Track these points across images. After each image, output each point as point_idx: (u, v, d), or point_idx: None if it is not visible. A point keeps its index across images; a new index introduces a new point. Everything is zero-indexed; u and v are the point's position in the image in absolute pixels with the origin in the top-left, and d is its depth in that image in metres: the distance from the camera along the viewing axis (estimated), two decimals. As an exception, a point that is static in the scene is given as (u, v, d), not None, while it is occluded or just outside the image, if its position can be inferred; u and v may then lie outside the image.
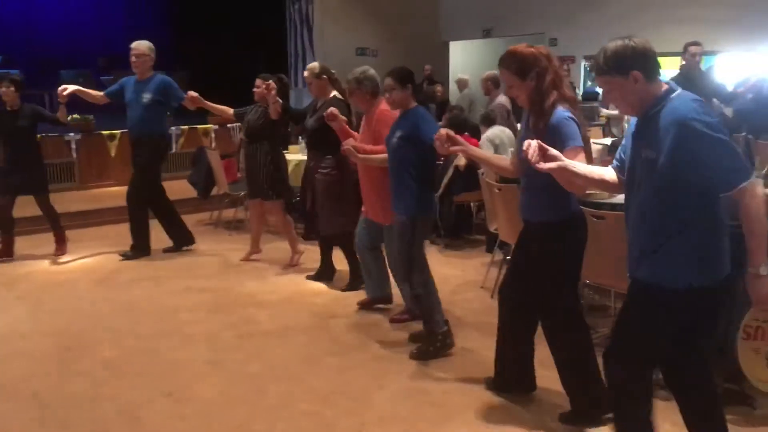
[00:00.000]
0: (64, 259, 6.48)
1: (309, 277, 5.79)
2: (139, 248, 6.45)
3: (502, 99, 7.84)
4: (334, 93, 5.37)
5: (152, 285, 5.74)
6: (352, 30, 14.03)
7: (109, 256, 6.56)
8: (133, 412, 3.61)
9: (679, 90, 2.47)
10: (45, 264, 6.35)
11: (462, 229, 7.21)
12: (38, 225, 6.99)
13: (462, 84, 11.16)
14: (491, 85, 8.25)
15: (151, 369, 4.15)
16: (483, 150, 5.96)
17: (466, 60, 15.98)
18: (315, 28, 13.84)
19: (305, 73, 5.67)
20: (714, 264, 2.46)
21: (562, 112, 3.05)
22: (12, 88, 6.14)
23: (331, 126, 4.74)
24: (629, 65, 2.43)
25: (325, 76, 5.37)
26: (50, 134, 8.60)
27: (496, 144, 6.73)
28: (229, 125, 10.36)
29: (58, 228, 6.56)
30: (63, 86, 6.07)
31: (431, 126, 4.05)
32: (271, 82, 5.61)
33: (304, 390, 3.84)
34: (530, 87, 3.12)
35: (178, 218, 6.70)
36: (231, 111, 6.17)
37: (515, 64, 3.14)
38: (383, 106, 4.46)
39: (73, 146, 9.33)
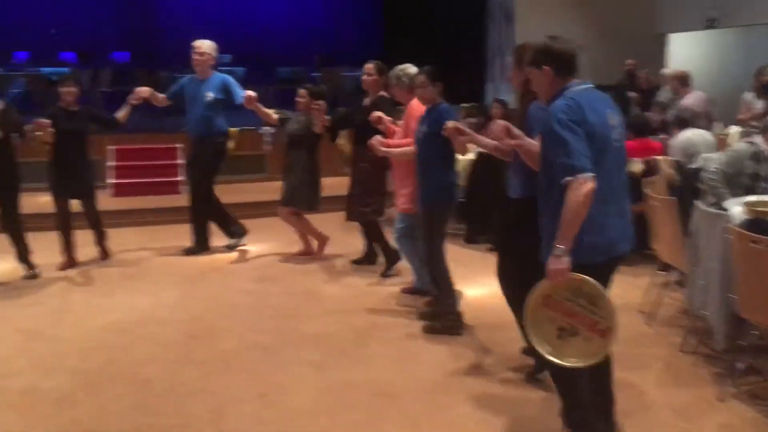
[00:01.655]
0: (242, 247, 6.74)
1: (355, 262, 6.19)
2: (201, 244, 6.50)
3: (693, 98, 6.91)
4: (382, 93, 5.53)
5: (287, 283, 5.81)
6: (555, 21, 13.31)
7: (275, 246, 6.78)
8: (222, 410, 3.61)
9: (576, 88, 2.85)
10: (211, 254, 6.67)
11: (639, 243, 6.41)
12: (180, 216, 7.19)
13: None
14: (678, 84, 7.34)
15: (257, 367, 4.15)
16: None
17: (686, 54, 14.46)
18: (517, 20, 13.35)
19: (368, 66, 5.60)
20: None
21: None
22: (74, 89, 5.99)
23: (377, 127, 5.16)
24: (542, 61, 2.90)
25: (382, 75, 5.48)
26: (246, 127, 9.04)
27: (690, 153, 5.76)
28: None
29: (101, 232, 6.34)
30: (140, 88, 6.14)
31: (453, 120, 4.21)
32: (321, 102, 5.83)
33: (396, 410, 3.60)
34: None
35: (210, 222, 6.59)
36: (275, 116, 6.25)
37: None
38: (415, 101, 4.76)
39: (268, 139, 9.79)
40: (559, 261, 2.73)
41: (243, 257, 6.57)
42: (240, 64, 13.57)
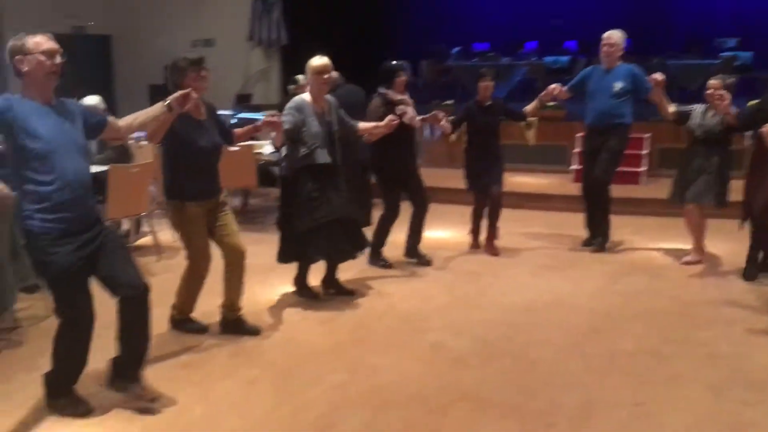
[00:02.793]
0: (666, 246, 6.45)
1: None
2: (604, 235, 6.41)
3: None
4: None
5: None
6: None
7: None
8: (591, 408, 3.58)
9: None
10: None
11: None
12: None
13: None
14: None
15: (645, 374, 3.96)
16: None
17: None
18: None
19: None
20: None
21: None
22: (491, 83, 6.12)
23: None
24: None
25: None
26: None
27: None
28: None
29: (496, 218, 6.36)
30: (554, 85, 6.21)
31: None
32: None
33: None
34: None
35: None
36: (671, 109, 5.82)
37: None
38: None
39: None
40: None
41: (668, 258, 6.21)
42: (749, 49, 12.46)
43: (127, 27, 12.73)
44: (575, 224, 6.79)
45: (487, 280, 5.68)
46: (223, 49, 12.05)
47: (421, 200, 5.96)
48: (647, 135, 8.80)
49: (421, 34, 14.86)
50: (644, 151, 8.74)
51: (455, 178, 6.84)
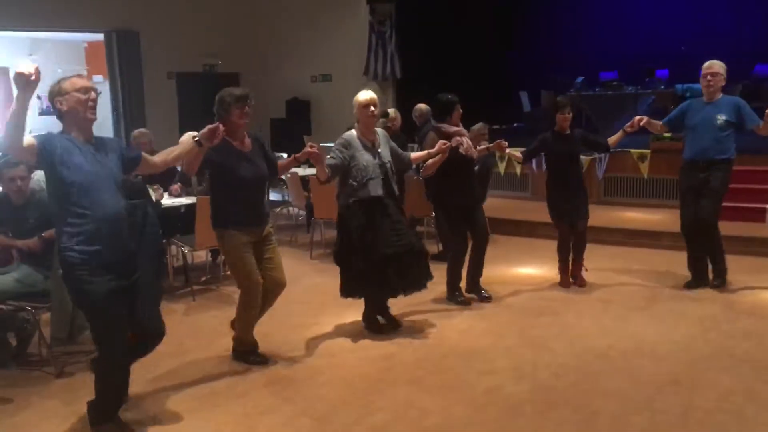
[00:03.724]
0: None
1: None
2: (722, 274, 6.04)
3: None
4: None
5: None
6: None
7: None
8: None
9: None
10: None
11: None
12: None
13: None
14: None
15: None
16: None
17: None
18: None
19: None
20: None
21: None
22: (569, 115, 5.96)
23: None
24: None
25: None
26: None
27: None
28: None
29: (581, 252, 6.23)
30: (639, 117, 5.98)
31: None
32: None
33: None
34: None
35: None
36: None
37: None
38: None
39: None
40: None
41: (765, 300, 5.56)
42: None
43: (253, 65, 13.39)
44: (681, 263, 6.27)
45: (567, 322, 5.34)
46: (340, 84, 12.35)
47: (481, 234, 5.79)
48: (772, 168, 8.04)
49: (546, 63, 14.59)
50: (769, 186, 7.96)
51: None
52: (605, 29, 14.77)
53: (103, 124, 12.44)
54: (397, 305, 5.35)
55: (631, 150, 8.96)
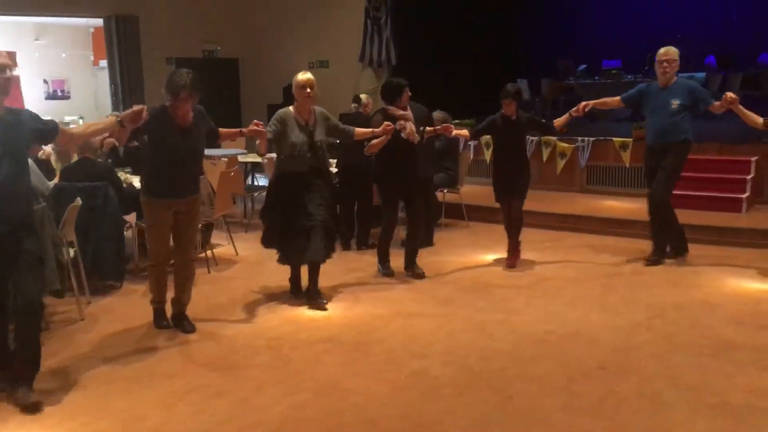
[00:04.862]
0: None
1: None
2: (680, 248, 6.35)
3: None
4: None
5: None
6: None
7: None
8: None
9: None
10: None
11: None
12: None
13: None
14: None
15: (632, 425, 3.53)
16: None
17: None
18: None
19: None
20: None
21: None
22: (514, 102, 6.06)
23: None
24: None
25: None
26: None
27: None
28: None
29: (516, 233, 6.40)
30: (584, 103, 6.16)
31: None
32: None
33: None
34: None
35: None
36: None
37: None
38: None
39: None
40: None
41: (748, 297, 5.48)
42: None
43: (252, 50, 13.47)
44: (647, 251, 6.36)
45: (515, 307, 5.35)
46: (336, 70, 12.40)
47: (415, 217, 6.06)
48: (754, 158, 7.91)
49: (547, 51, 14.48)
50: (749, 176, 7.83)
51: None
52: (608, 17, 14.64)
53: (103, 109, 12.70)
54: (351, 287, 5.44)
55: (614, 139, 8.89)
